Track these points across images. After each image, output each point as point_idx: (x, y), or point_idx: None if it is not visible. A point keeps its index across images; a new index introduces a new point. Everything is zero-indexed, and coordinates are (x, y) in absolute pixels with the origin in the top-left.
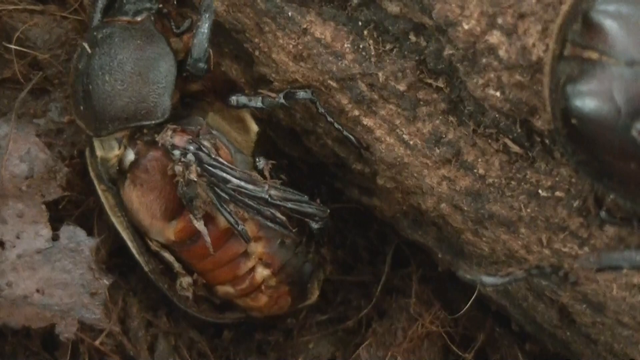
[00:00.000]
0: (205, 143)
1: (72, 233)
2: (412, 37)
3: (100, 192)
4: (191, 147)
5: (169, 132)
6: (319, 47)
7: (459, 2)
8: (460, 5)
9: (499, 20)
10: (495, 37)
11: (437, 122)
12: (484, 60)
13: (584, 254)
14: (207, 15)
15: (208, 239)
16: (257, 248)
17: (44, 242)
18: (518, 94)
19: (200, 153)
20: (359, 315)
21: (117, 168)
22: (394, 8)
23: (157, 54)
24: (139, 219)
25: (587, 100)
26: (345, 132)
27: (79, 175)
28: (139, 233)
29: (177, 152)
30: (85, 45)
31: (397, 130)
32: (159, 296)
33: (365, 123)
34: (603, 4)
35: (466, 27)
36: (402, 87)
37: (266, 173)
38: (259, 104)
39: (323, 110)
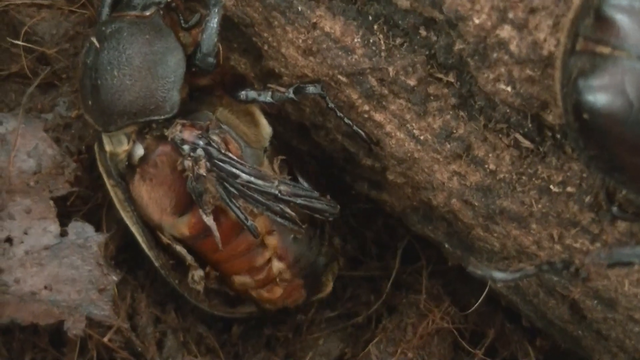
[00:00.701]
0: (215, 138)
1: (80, 229)
2: (423, 32)
3: (109, 187)
4: (200, 142)
5: (178, 127)
6: (329, 41)
7: None
8: (471, 0)
9: (510, 15)
10: (506, 32)
11: (448, 117)
12: (494, 54)
13: (595, 250)
14: (216, 10)
15: (217, 234)
16: (272, 241)
17: (52, 238)
18: (529, 88)
19: (210, 148)
20: (369, 311)
21: (126, 163)
22: (404, 2)
23: (166, 48)
24: (149, 214)
25: (599, 94)
26: (355, 127)
27: (87, 171)
28: (149, 228)
29: (186, 147)
30: (94, 39)
31: (408, 125)
32: (167, 291)
33: (375, 118)
34: None
35: (477, 21)
36: (412, 81)
37: (276, 168)
38: (268, 99)
39: (332, 105)
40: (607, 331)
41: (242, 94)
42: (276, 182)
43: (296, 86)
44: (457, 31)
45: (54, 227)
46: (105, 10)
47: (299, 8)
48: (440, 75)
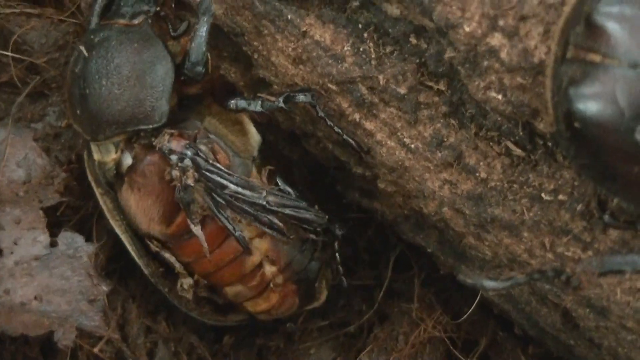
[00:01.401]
0: (203, 147)
1: (70, 239)
2: (413, 40)
3: (98, 196)
4: (188, 152)
5: (166, 137)
6: (319, 50)
7: (459, 4)
8: (461, 7)
9: (501, 22)
10: (496, 40)
11: (439, 125)
12: (485, 62)
13: (587, 258)
14: (205, 18)
15: (205, 244)
16: (263, 245)
17: (42, 249)
18: (520, 96)
19: (198, 158)
20: (361, 320)
21: (115, 172)
22: (394, 10)
23: (155, 57)
24: (137, 223)
25: (590, 103)
26: (345, 136)
27: (77, 180)
28: (138, 236)
29: (174, 157)
30: (82, 48)
31: (398, 134)
32: (158, 300)
33: (365, 126)
34: (606, 6)
35: (467, 29)
36: (402, 90)
37: (264, 178)
38: (258, 108)
39: (323, 114)
40: (600, 339)
41: (232, 103)
42: (264, 193)
43: (286, 95)
44: (448, 39)
45: (44, 238)
46: (94, 19)
47: (289, 16)
48: (430, 84)
